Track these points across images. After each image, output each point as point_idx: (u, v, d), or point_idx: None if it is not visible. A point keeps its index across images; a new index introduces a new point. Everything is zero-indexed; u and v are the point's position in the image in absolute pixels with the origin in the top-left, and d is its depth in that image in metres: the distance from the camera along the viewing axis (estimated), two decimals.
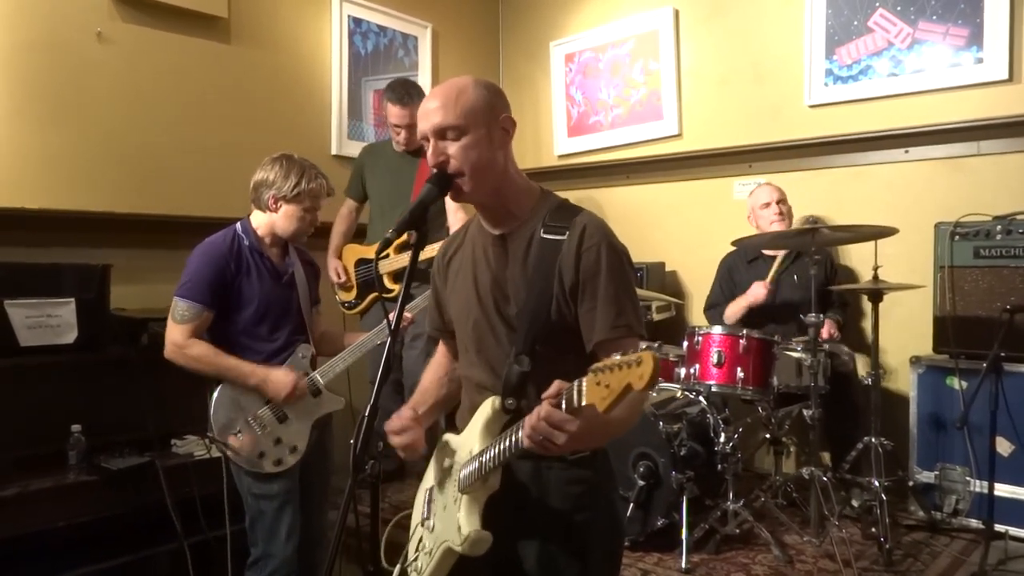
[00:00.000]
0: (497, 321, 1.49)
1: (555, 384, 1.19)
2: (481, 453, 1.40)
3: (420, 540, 1.55)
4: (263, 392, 2.28)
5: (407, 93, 3.45)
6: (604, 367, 1.09)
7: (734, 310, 3.58)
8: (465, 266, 1.57)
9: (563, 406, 1.16)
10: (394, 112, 3.46)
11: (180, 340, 2.25)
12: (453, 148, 1.42)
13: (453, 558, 1.44)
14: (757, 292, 3.50)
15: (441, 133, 1.42)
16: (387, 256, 3.34)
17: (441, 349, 1.75)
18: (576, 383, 1.15)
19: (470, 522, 1.38)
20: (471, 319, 1.53)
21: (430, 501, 1.56)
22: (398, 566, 1.57)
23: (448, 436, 1.59)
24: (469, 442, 1.47)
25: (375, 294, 3.54)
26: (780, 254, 3.55)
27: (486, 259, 1.52)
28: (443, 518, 1.49)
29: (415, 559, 1.54)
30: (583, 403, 1.13)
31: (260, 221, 2.39)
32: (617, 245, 1.45)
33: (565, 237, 1.44)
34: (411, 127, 3.45)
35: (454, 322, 1.61)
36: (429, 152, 1.44)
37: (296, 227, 2.38)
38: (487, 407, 1.45)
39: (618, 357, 1.08)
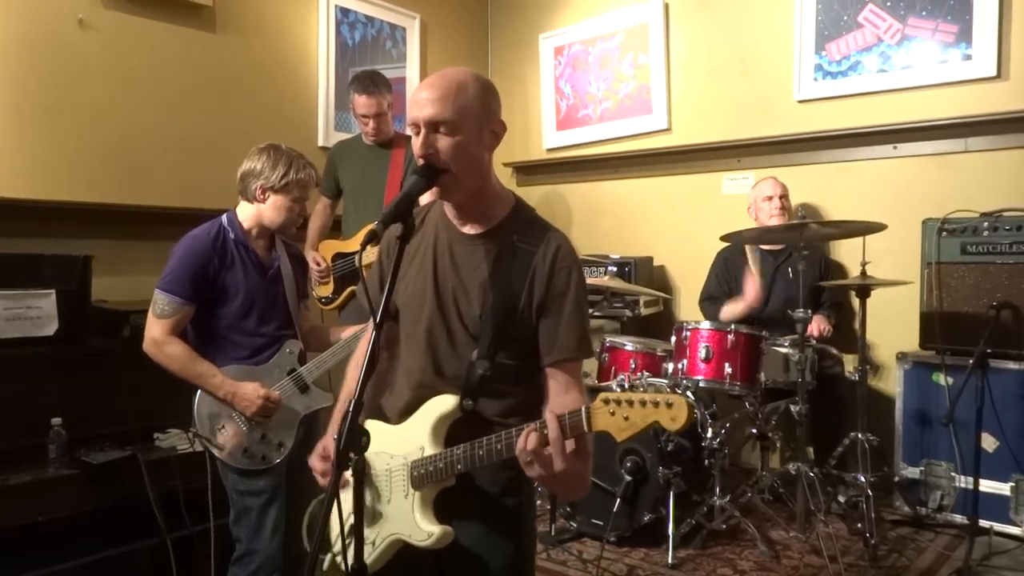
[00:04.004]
0: (456, 323, 1.48)
1: (550, 414, 1.23)
2: (448, 455, 1.40)
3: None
4: (232, 406, 2.25)
5: (372, 83, 3.43)
6: (622, 400, 1.12)
7: (732, 311, 3.57)
8: (424, 255, 1.54)
9: (568, 430, 1.19)
10: (361, 102, 3.43)
11: (158, 336, 2.21)
12: (443, 143, 1.40)
13: (398, 547, 1.45)
14: (750, 292, 3.50)
15: (434, 126, 1.40)
16: (364, 249, 3.30)
17: (360, 345, 1.72)
18: (584, 409, 1.18)
19: (431, 519, 1.41)
20: (425, 313, 1.51)
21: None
22: (328, 555, 1.54)
23: (374, 423, 1.53)
24: (416, 438, 1.45)
25: (352, 288, 3.52)
26: (750, 252, 3.57)
27: (451, 256, 1.51)
28: (388, 509, 1.47)
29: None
30: (593, 429, 1.15)
31: (247, 213, 2.36)
32: (582, 271, 1.50)
33: (538, 251, 1.46)
34: (378, 116, 3.43)
35: (402, 308, 1.57)
36: (418, 142, 1.42)
37: (284, 218, 2.34)
38: (445, 404, 1.44)
39: (642, 393, 1.12)
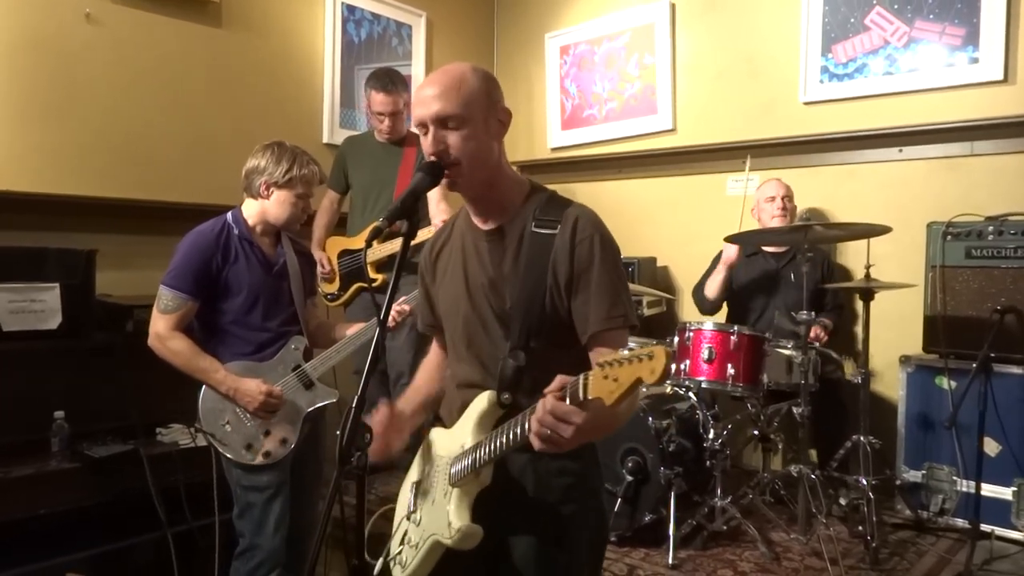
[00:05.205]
0: (489, 317, 1.48)
1: (558, 378, 1.18)
2: (475, 447, 1.39)
3: (405, 534, 1.54)
4: (234, 402, 2.25)
5: (391, 80, 3.43)
6: (613, 361, 1.08)
7: (714, 280, 3.63)
8: (454, 261, 1.56)
9: (567, 400, 1.15)
10: (378, 99, 3.43)
11: (162, 331, 2.22)
12: (453, 138, 1.40)
13: (440, 551, 1.43)
14: (728, 251, 3.55)
15: (442, 122, 1.40)
16: (370, 246, 3.32)
17: (434, 347, 1.74)
18: (582, 376, 1.13)
19: (461, 516, 1.38)
20: (461, 315, 1.52)
21: (416, 495, 1.55)
22: (380, 560, 1.55)
23: (436, 430, 1.58)
24: (461, 436, 1.46)
25: (358, 285, 3.52)
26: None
27: (477, 254, 1.51)
28: (431, 511, 1.48)
29: (399, 552, 1.53)
30: (589, 396, 1.11)
31: (252, 210, 2.37)
32: (609, 237, 1.45)
33: (557, 231, 1.43)
34: (395, 115, 3.43)
35: (443, 318, 1.60)
36: (428, 140, 1.41)
37: (289, 213, 2.35)
38: (482, 401, 1.44)
39: (626, 352, 1.07)
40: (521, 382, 1.39)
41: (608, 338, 1.38)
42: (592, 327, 1.40)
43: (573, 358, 1.39)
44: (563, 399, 1.15)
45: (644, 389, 3.13)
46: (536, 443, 1.20)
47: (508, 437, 1.30)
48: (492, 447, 1.34)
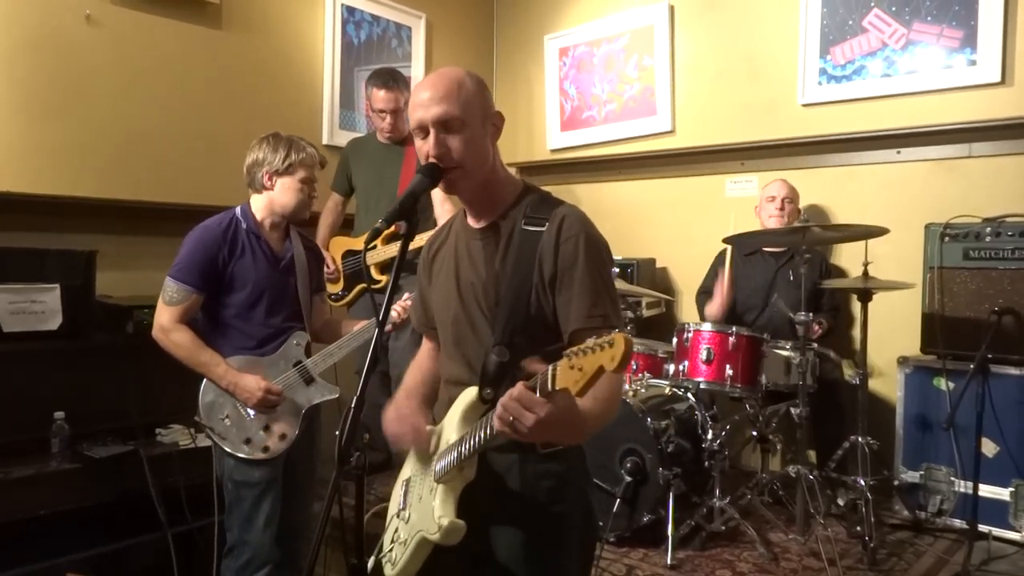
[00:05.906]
0: (478, 316, 1.49)
1: (533, 367, 1.20)
2: (458, 443, 1.40)
3: (396, 531, 1.55)
4: (234, 397, 2.26)
5: (392, 78, 3.47)
6: (578, 351, 1.09)
7: (710, 311, 3.62)
8: (448, 261, 1.57)
9: (537, 391, 1.16)
10: (379, 96, 3.44)
11: (166, 323, 2.24)
12: (455, 140, 1.42)
13: (428, 548, 1.44)
14: (717, 294, 3.58)
15: (444, 124, 1.42)
16: (375, 247, 3.34)
17: (424, 348, 1.75)
18: (551, 367, 1.15)
19: (445, 511, 1.39)
20: (451, 315, 1.53)
21: (407, 493, 1.56)
22: (372, 557, 1.56)
23: (428, 428, 1.59)
24: (446, 433, 1.47)
25: (362, 285, 3.54)
26: (728, 253, 3.62)
27: (468, 254, 1.53)
28: (419, 508, 1.49)
29: (390, 550, 1.54)
30: (556, 387, 1.12)
31: (259, 204, 2.39)
32: (596, 237, 1.46)
33: (544, 228, 1.45)
34: (395, 112, 3.45)
35: (435, 317, 1.62)
36: (429, 143, 1.43)
37: (296, 200, 2.37)
38: (466, 397, 1.45)
39: (592, 340, 1.08)
40: (504, 378, 1.40)
41: (589, 336, 1.39)
42: (573, 324, 1.41)
43: (557, 356, 1.40)
44: (533, 389, 1.17)
45: (643, 390, 3.17)
46: (497, 424, 1.22)
47: (487, 431, 1.31)
48: (473, 442, 1.35)
